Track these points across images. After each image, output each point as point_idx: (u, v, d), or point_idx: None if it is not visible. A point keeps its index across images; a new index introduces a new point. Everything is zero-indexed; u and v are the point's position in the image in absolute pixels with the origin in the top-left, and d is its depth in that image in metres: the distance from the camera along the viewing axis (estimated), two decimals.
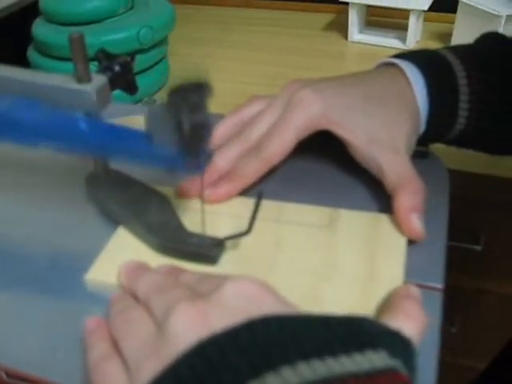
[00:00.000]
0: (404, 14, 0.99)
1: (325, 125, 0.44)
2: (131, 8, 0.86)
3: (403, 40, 1.01)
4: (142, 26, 0.81)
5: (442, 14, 1.06)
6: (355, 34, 1.04)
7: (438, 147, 0.51)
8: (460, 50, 0.48)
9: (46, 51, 0.83)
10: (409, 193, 0.41)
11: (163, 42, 0.88)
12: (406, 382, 0.25)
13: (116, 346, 0.30)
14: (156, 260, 0.38)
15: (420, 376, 0.30)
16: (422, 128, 0.46)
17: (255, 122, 0.45)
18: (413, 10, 0.97)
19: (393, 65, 0.47)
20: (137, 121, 0.42)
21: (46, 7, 0.83)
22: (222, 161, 0.44)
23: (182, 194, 0.44)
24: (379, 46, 1.02)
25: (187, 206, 0.43)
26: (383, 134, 0.43)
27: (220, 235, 0.39)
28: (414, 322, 0.30)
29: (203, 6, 1.23)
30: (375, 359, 0.24)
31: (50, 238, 0.43)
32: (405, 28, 1.00)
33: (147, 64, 0.85)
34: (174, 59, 0.95)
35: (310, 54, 1.00)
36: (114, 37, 0.79)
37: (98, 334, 0.31)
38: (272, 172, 0.46)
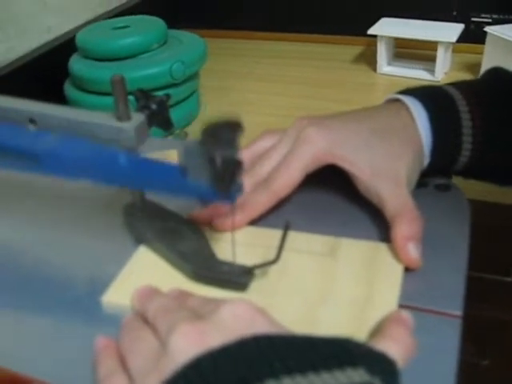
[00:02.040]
0: (432, 45, 1.02)
1: (330, 160, 0.48)
2: (164, 43, 0.90)
3: (432, 72, 1.04)
4: (174, 61, 0.85)
5: (471, 44, 1.08)
6: (384, 66, 1.07)
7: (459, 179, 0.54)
8: (463, 86, 0.52)
9: (82, 86, 0.87)
10: (406, 222, 0.44)
11: (195, 75, 0.92)
12: None
13: (123, 363, 0.33)
14: (171, 283, 0.41)
15: None
16: (427, 161, 0.50)
17: (266, 157, 0.50)
18: (441, 41, 1.00)
19: (398, 100, 0.51)
20: (171, 154, 0.46)
21: (82, 44, 0.88)
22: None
23: (194, 220, 0.48)
24: (408, 77, 1.05)
25: (219, 237, 0.47)
26: (385, 167, 0.47)
27: (249, 264, 0.42)
28: (400, 345, 0.33)
29: (235, 39, 1.27)
30: (354, 375, 0.28)
31: (88, 264, 0.47)
32: (433, 59, 1.02)
33: (179, 98, 0.88)
34: (206, 92, 0.99)
35: (340, 86, 1.03)
36: (147, 72, 0.83)
37: (106, 351, 0.34)
38: (281, 203, 0.50)
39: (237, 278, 0.42)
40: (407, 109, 0.50)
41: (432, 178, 0.53)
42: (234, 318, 0.30)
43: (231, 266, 0.42)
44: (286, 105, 0.97)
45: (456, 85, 0.53)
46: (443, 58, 1.01)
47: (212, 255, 0.44)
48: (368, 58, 1.12)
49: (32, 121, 0.44)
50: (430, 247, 0.45)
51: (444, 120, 0.50)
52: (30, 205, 0.55)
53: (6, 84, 0.86)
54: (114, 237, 0.49)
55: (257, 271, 0.42)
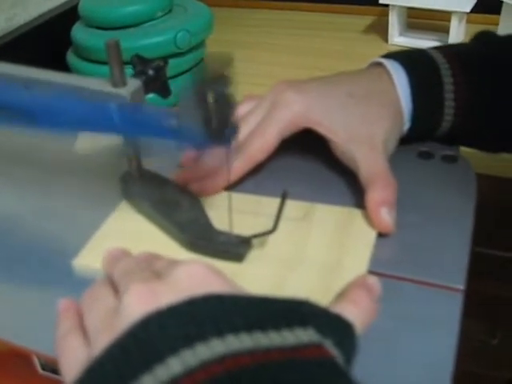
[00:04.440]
0: (446, 15, 1.00)
1: (306, 124, 0.48)
2: (169, 12, 0.89)
3: (445, 43, 1.01)
4: (179, 29, 0.84)
5: (486, 15, 1.06)
6: (395, 36, 1.05)
7: (469, 151, 0.53)
8: (448, 50, 0.52)
9: (84, 55, 0.86)
10: (379, 187, 0.44)
11: (200, 45, 0.91)
12: (328, 357, 0.28)
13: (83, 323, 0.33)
14: (143, 247, 0.40)
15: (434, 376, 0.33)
16: (407, 125, 0.50)
17: (243, 121, 0.50)
18: (455, 11, 0.98)
19: (380, 64, 0.51)
20: None
21: (84, 12, 0.87)
22: (209, 158, 0.49)
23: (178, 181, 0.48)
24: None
25: (216, 206, 0.47)
26: (362, 132, 0.47)
27: (247, 234, 0.42)
28: (359, 309, 0.33)
29: (242, 8, 1.26)
30: (302, 335, 0.28)
31: (85, 233, 0.46)
32: (446, 30, 1.01)
33: (184, 68, 0.87)
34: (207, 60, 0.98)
35: (351, 57, 1.01)
36: (151, 41, 0.83)
37: (66, 312, 0.34)
38: (258, 168, 0.50)
39: (234, 248, 0.41)
40: (388, 73, 0.50)
41: (439, 149, 0.52)
42: (187, 278, 0.31)
43: (228, 236, 0.42)
44: (293, 76, 0.93)
45: (441, 48, 0.53)
46: (457, 29, 1.00)
47: (209, 225, 0.43)
48: (379, 29, 1.10)
49: (27, 87, 0.44)
50: (434, 220, 0.45)
51: (425, 84, 0.50)
52: (23, 174, 0.55)
53: (8, 53, 0.85)
54: (111, 206, 0.49)
55: (254, 241, 0.42)
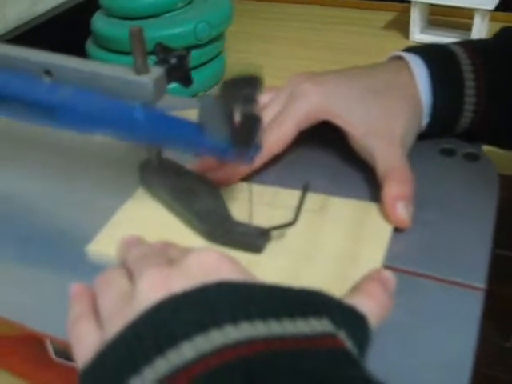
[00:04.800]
0: (468, 13, 0.99)
1: (324, 116, 0.48)
2: (189, 3, 0.89)
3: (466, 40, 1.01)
4: (199, 21, 0.84)
5: (509, 13, 1.05)
6: (417, 33, 1.05)
7: (493, 151, 0.53)
8: (470, 45, 0.51)
9: (104, 45, 0.87)
10: (396, 182, 0.44)
11: (220, 37, 0.91)
12: (342, 348, 0.28)
13: (96, 307, 0.33)
14: (158, 235, 0.40)
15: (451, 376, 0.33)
16: (426, 120, 0.50)
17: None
18: (478, 9, 0.97)
19: (401, 58, 0.51)
20: (192, 114, 0.45)
21: (105, 1, 0.87)
22: None
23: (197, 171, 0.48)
24: None
25: (235, 196, 0.46)
26: (380, 125, 0.46)
27: (265, 225, 0.42)
28: (374, 302, 0.33)
29: (263, 2, 1.25)
30: (316, 325, 0.28)
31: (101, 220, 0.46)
32: (469, 28, 0.99)
33: (203, 59, 0.88)
34: (231, 55, 0.98)
35: (369, 53, 1.01)
36: (171, 31, 0.83)
37: (79, 297, 0.34)
38: (276, 160, 0.50)
39: (253, 239, 0.41)
40: (408, 66, 0.49)
41: (461, 147, 0.52)
42: (200, 265, 0.31)
43: (247, 227, 0.42)
44: (311, 70, 0.95)
45: (463, 43, 0.52)
46: (479, 27, 0.99)
47: (228, 216, 0.43)
48: (401, 25, 1.09)
49: (48, 72, 0.44)
50: (455, 218, 0.45)
51: (445, 78, 0.49)
52: (41, 157, 0.55)
53: (28, 41, 0.85)
54: (128, 193, 0.49)
55: (273, 233, 0.42)
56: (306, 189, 0.41)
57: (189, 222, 0.44)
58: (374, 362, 0.33)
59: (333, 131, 0.49)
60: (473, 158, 0.51)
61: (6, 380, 0.47)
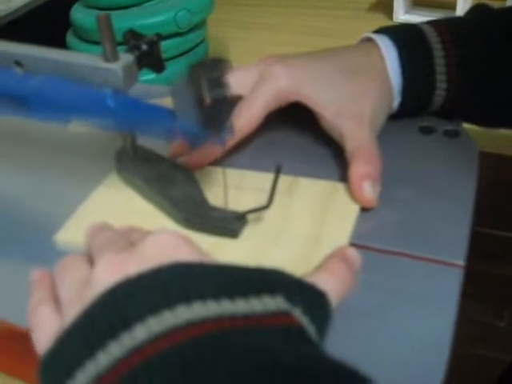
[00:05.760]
0: None
1: (294, 97, 0.49)
2: None
3: None
4: (179, 8, 0.83)
5: None
6: (401, 14, 1.04)
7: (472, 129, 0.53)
8: (441, 24, 0.51)
9: (84, 36, 0.86)
10: (363, 161, 0.44)
11: (201, 25, 0.90)
12: (295, 325, 0.28)
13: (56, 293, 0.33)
14: (126, 221, 0.40)
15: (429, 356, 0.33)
16: (397, 100, 0.50)
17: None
18: None
19: (371, 40, 0.51)
20: (169, 102, 0.45)
21: None
22: None
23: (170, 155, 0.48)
24: None
25: (210, 181, 0.46)
26: (349, 106, 0.47)
27: (241, 209, 0.42)
28: (336, 278, 0.33)
29: None
30: (269, 303, 0.28)
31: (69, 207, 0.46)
32: (453, 7, 0.99)
33: (185, 47, 0.87)
34: (213, 43, 0.98)
35: (353, 36, 0.98)
36: (151, 20, 0.82)
37: (39, 283, 0.35)
38: (247, 143, 0.50)
39: (229, 224, 0.41)
40: (378, 48, 0.50)
41: (440, 124, 0.52)
42: (157, 247, 0.31)
43: (223, 212, 0.42)
44: None
45: (433, 22, 0.52)
46: (463, 6, 0.98)
47: (204, 201, 0.43)
48: (384, 6, 1.09)
49: (18, 63, 0.44)
50: (435, 195, 0.45)
51: (415, 58, 0.50)
52: (18, 152, 0.55)
53: (7, 35, 0.85)
54: (101, 183, 0.48)
55: (249, 216, 0.42)
56: (278, 171, 0.41)
57: (165, 209, 0.44)
58: (349, 342, 0.33)
59: (303, 112, 0.49)
60: (453, 134, 0.51)
61: None
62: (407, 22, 1.03)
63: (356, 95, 0.48)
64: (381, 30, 0.52)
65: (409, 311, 0.36)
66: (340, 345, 0.31)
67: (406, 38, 0.50)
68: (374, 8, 1.10)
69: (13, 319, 0.38)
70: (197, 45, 0.90)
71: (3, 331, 0.43)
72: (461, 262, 0.39)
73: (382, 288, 0.37)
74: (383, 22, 1.05)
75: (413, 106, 0.51)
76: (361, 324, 0.35)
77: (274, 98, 0.48)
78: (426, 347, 0.34)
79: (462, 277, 0.38)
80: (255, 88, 0.49)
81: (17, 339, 0.42)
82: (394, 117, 0.51)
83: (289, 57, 0.51)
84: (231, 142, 0.48)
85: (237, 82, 0.48)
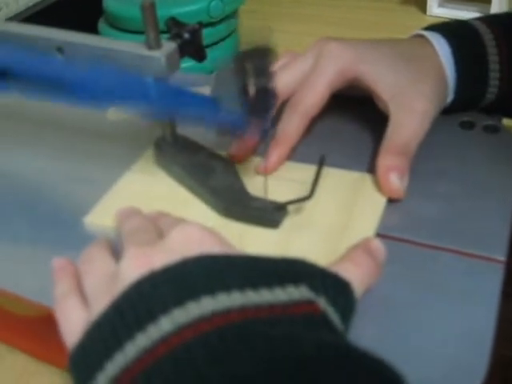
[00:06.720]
0: None
1: (356, 74, 0.47)
2: None
3: (486, 14, 1.00)
4: None
5: None
6: (434, 7, 1.03)
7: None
8: (492, 20, 0.51)
9: (116, 24, 0.87)
10: (392, 153, 0.44)
11: (233, 15, 0.90)
12: (319, 314, 0.28)
13: (80, 285, 0.34)
14: (155, 207, 0.41)
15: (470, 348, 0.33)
16: (451, 96, 0.49)
17: (287, 67, 0.49)
18: None
19: (422, 37, 0.50)
20: (206, 91, 0.45)
21: None
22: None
23: (232, 158, 0.48)
24: None
25: (250, 172, 0.47)
26: (406, 91, 0.46)
27: (281, 200, 0.42)
28: (359, 269, 0.33)
29: None
30: (293, 292, 0.28)
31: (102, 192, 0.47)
32: (488, 1, 0.98)
33: (217, 37, 0.87)
34: (244, 33, 0.98)
35: (387, 28, 1.00)
36: (184, 9, 0.82)
37: (62, 272, 0.35)
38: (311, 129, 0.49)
39: (269, 214, 0.41)
40: (431, 44, 0.49)
41: (480, 119, 0.52)
42: (182, 240, 0.31)
43: (263, 202, 0.42)
44: None
45: (484, 19, 0.52)
46: (499, 0, 0.97)
47: (244, 191, 0.43)
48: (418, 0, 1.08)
49: (60, 49, 0.44)
50: (475, 191, 0.44)
51: (469, 55, 0.49)
52: (52, 137, 0.56)
53: (39, 22, 0.85)
54: None
55: (290, 207, 0.42)
56: (322, 162, 0.41)
57: (204, 198, 0.44)
58: (387, 336, 0.33)
59: (340, 102, 0.49)
60: (493, 130, 0.51)
61: (19, 360, 0.47)
62: (441, 15, 1.03)
63: (413, 82, 0.46)
64: (430, 28, 0.51)
65: (448, 307, 0.36)
66: (376, 338, 0.31)
67: (458, 35, 0.49)
68: (407, 1, 1.10)
69: (46, 301, 0.38)
70: (228, 35, 0.90)
71: (35, 315, 0.44)
72: (501, 258, 0.39)
73: (422, 282, 0.37)
74: (416, 15, 1.05)
75: (465, 103, 0.51)
76: (398, 318, 0.35)
77: (337, 75, 0.47)
78: (466, 344, 0.33)
79: (502, 272, 0.38)
80: (314, 67, 0.47)
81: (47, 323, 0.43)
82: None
83: (344, 39, 0.50)
84: (303, 126, 0.47)
85: (299, 69, 0.48)
